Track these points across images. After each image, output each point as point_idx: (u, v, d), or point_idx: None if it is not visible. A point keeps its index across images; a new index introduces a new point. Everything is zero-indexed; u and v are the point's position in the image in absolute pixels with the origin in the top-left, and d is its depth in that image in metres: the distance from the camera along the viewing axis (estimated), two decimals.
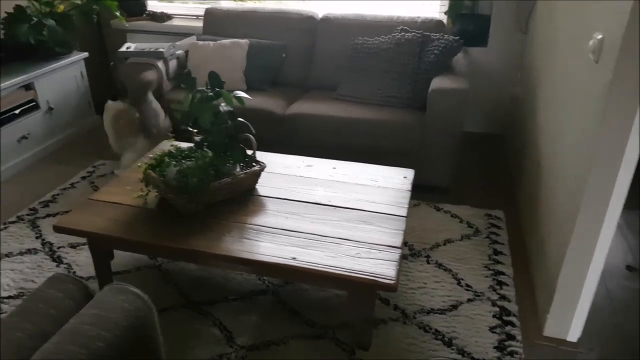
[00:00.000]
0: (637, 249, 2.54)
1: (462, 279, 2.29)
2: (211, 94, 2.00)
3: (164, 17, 3.93)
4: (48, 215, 2.76)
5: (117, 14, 3.55)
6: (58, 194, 2.96)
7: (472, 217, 2.72)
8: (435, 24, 3.18)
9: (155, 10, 3.98)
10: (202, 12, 3.92)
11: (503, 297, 2.19)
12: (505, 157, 3.39)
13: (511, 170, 3.19)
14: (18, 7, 3.24)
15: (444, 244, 2.52)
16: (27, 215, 2.76)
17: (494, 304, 2.15)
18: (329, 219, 1.98)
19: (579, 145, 1.83)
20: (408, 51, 2.97)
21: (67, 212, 2.76)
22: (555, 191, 2.08)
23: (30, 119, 3.30)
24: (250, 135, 2.18)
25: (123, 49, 3.18)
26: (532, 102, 2.79)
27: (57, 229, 1.94)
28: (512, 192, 2.98)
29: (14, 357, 0.96)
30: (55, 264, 2.38)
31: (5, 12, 3.22)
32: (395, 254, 1.77)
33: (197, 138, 2.13)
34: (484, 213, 2.77)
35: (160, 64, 3.11)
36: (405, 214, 2.00)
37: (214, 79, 2.04)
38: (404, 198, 2.12)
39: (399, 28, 3.12)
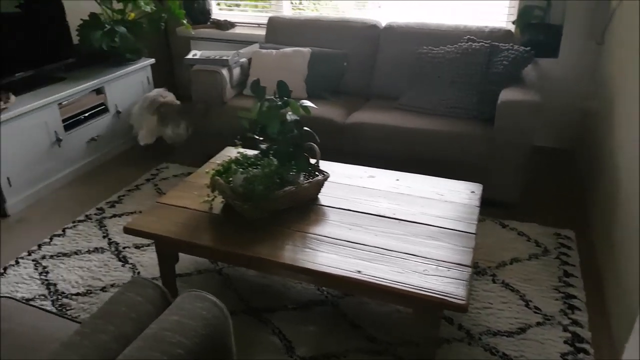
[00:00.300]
0: None
1: (531, 301, 2.19)
2: (280, 103, 2.00)
3: (228, 25, 4.01)
4: (114, 216, 2.84)
5: (185, 22, 3.64)
6: (124, 195, 3.05)
7: (541, 236, 2.61)
8: (504, 34, 3.08)
9: (219, 19, 4.06)
10: (263, 21, 3.97)
11: (575, 323, 2.08)
12: (575, 174, 3.24)
13: (582, 188, 3.04)
14: (92, 15, 3.37)
15: (511, 263, 2.42)
16: (95, 214, 2.86)
17: (565, 329, 2.04)
18: (393, 232, 1.94)
19: None
20: (475, 61, 2.89)
21: (132, 213, 2.85)
22: (637, 213, 1.96)
23: (100, 122, 3.43)
24: (314, 145, 2.17)
25: (189, 56, 3.26)
26: (608, 117, 2.65)
27: (127, 231, 1.99)
28: (583, 211, 2.84)
29: (99, 359, 0.97)
30: (120, 263, 2.45)
31: (81, 19, 3.37)
32: (465, 273, 1.71)
33: (262, 146, 2.14)
34: (553, 232, 2.64)
35: (224, 71, 3.17)
36: (474, 231, 1.93)
37: (282, 89, 2.04)
38: (473, 214, 2.05)
39: (466, 37, 3.05)
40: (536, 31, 3.24)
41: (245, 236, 1.92)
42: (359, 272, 1.72)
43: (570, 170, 3.31)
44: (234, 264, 2.32)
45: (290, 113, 2.08)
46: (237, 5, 4.27)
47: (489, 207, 2.70)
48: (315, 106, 2.15)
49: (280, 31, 3.57)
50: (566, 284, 2.30)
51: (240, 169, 2.01)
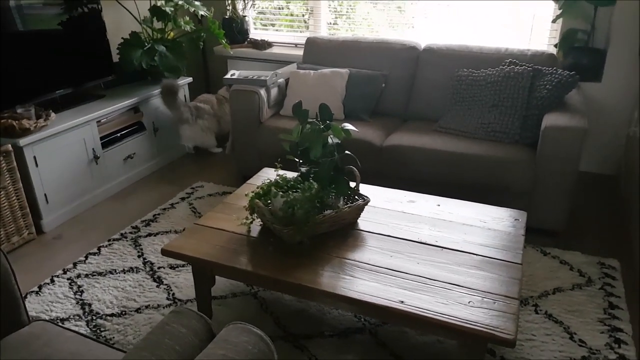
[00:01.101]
0: None
1: (575, 333, 2.10)
2: (322, 126, 1.98)
3: (265, 44, 4.04)
4: (149, 235, 2.85)
5: (224, 41, 3.68)
6: (159, 214, 3.06)
7: (584, 265, 2.51)
8: (547, 58, 3.02)
9: (256, 38, 4.10)
10: (300, 41, 3.99)
11: (622, 358, 1.98)
12: (619, 201, 3.13)
13: (627, 216, 2.93)
14: (133, 34, 3.44)
15: (553, 293, 2.33)
16: (130, 233, 2.87)
17: None
18: (436, 260, 1.88)
19: None
20: (518, 85, 2.83)
21: (167, 232, 2.85)
22: None
23: (136, 140, 3.47)
24: (354, 168, 2.14)
25: (228, 76, 3.28)
26: None
27: (165, 253, 1.98)
28: (628, 240, 2.73)
29: None
30: (155, 284, 2.44)
31: (122, 38, 3.43)
32: (513, 306, 1.64)
33: (302, 168, 2.12)
34: (596, 261, 2.54)
35: (262, 91, 3.18)
36: (520, 261, 1.87)
37: (325, 112, 2.02)
38: (518, 243, 1.98)
39: (507, 61, 3.00)
40: (579, 55, 3.17)
41: (284, 261, 1.89)
42: (402, 302, 1.67)
43: (614, 197, 3.19)
44: (272, 289, 2.27)
45: (331, 136, 2.06)
46: (272, 25, 4.30)
47: (529, 234, 2.60)
48: (356, 129, 2.13)
49: (318, 52, 3.57)
50: (612, 316, 2.20)
51: (281, 193, 1.99)
